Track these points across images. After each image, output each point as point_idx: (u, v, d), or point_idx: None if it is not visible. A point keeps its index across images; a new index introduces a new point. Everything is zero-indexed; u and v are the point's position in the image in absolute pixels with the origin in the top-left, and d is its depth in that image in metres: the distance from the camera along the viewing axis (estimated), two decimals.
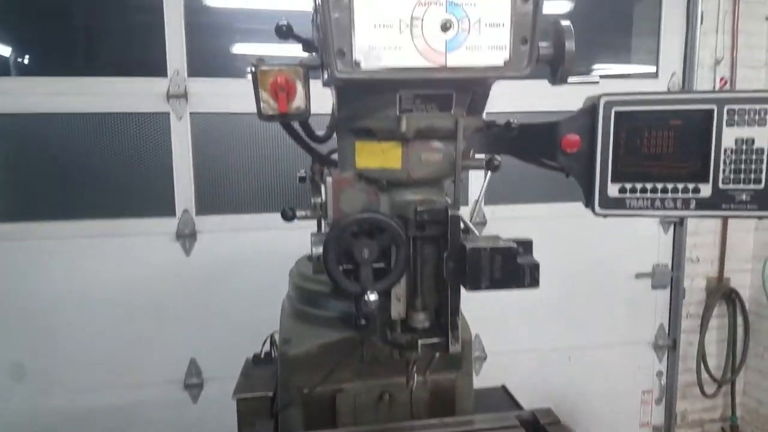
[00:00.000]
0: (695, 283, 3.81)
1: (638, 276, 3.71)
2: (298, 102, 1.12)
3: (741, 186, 1.22)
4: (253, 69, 1.10)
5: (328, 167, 1.43)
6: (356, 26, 0.98)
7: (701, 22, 3.43)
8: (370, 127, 1.14)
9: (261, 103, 1.11)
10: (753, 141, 1.20)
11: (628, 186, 1.21)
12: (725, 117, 1.21)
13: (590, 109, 1.18)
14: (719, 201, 1.20)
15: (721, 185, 1.20)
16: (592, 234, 3.40)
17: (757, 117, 1.31)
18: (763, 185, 1.17)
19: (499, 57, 1.02)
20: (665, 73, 3.55)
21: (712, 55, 3.52)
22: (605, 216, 1.22)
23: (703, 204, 1.20)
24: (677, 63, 3.54)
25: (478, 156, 1.26)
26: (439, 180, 1.22)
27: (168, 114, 3.03)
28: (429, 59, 1.01)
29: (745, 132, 1.21)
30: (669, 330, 3.81)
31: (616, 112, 1.19)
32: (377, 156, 1.17)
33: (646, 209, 1.22)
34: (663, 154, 1.25)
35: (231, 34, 3.19)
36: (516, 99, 2.72)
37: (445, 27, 1.00)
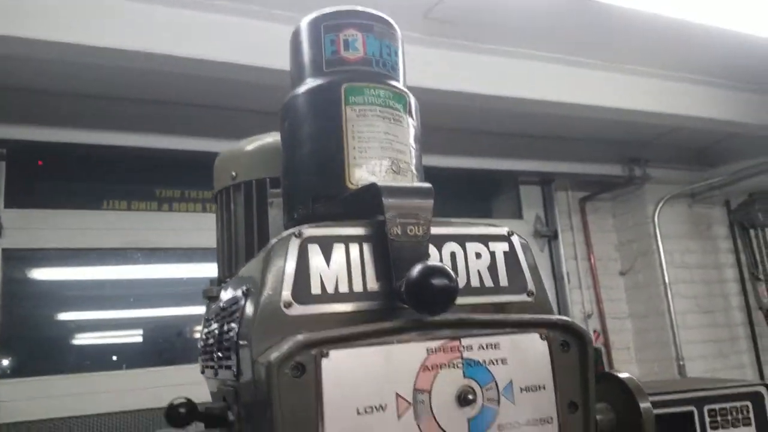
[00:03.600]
0: None
1: None
2: None
3: None
4: None
5: None
6: (327, 415, 0.55)
7: (568, 281, 3.51)
8: None
9: None
10: None
11: None
12: (707, 419, 1.10)
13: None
14: None
15: None
16: None
17: (740, 416, 1.20)
18: None
19: None
20: None
21: (581, 309, 3.56)
22: None
23: None
24: None
25: None
26: None
27: None
28: None
29: None
30: None
31: None
32: None
33: None
34: None
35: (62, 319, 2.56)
36: None
37: (465, 399, 0.61)
